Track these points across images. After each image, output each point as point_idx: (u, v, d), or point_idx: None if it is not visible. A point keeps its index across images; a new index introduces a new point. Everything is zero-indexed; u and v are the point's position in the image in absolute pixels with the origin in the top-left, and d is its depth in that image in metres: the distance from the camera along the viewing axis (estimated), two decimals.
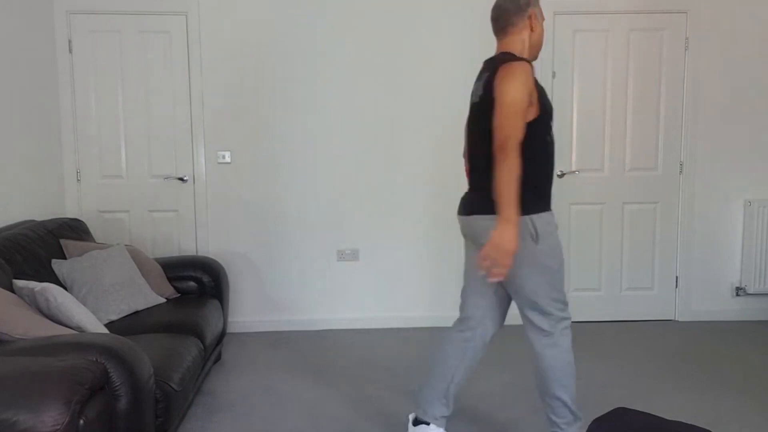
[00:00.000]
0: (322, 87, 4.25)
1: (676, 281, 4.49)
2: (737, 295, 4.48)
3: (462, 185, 4.28)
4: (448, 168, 4.33)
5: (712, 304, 4.50)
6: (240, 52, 4.21)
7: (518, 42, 2.42)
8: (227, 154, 4.27)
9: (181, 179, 4.27)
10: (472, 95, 2.50)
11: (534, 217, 2.35)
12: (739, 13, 4.31)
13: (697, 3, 4.29)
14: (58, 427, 1.79)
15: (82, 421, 1.89)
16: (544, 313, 2.42)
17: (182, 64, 4.20)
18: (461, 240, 4.38)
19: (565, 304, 2.45)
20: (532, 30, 2.43)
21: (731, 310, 4.49)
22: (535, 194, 2.37)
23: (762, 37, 4.33)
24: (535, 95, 2.30)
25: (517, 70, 2.24)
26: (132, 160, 4.25)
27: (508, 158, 2.20)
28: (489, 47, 4.25)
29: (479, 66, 4.21)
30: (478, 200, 2.43)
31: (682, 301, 4.49)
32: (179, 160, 4.27)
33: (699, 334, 4.21)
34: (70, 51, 4.14)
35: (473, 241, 2.51)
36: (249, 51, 4.21)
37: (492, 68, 2.34)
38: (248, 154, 4.28)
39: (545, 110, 2.36)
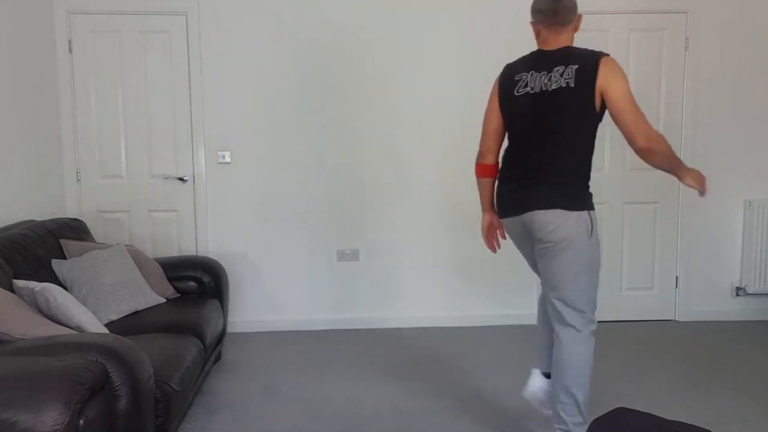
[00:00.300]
0: (322, 87, 4.26)
1: (676, 281, 4.49)
2: (737, 295, 4.48)
3: (465, 184, 4.31)
4: (449, 168, 4.33)
5: (712, 304, 4.50)
6: (240, 52, 4.21)
7: (570, 39, 2.49)
8: (227, 154, 4.27)
9: (181, 179, 4.28)
10: (526, 86, 2.47)
11: (591, 212, 2.44)
12: (738, 13, 4.31)
13: (696, 3, 4.29)
14: (58, 427, 1.79)
15: (82, 421, 1.90)
16: (578, 310, 2.46)
17: (182, 64, 4.20)
18: (461, 238, 4.38)
19: (595, 305, 2.52)
20: (575, 29, 2.52)
21: (731, 310, 4.49)
22: (589, 190, 2.48)
23: (761, 38, 4.33)
24: None
25: (617, 64, 2.39)
26: (132, 160, 4.25)
27: (661, 139, 2.38)
28: (497, 48, 4.26)
29: (485, 67, 4.23)
30: (560, 195, 2.42)
31: (682, 301, 4.49)
32: (179, 160, 4.28)
33: (699, 334, 4.21)
34: (70, 51, 4.14)
35: (533, 234, 2.49)
36: (249, 51, 4.21)
37: (580, 61, 2.38)
38: (248, 154, 4.28)
39: None
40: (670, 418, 1.90)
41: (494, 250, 2.80)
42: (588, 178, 2.47)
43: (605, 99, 2.36)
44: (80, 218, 3.92)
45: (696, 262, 4.47)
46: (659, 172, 4.39)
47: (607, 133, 4.37)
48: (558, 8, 2.43)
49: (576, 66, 2.37)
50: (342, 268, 4.38)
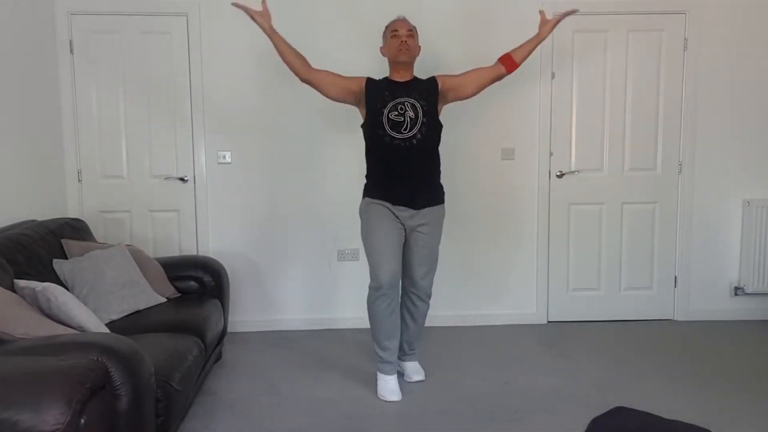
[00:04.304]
0: None
1: (675, 281, 4.50)
2: (736, 294, 4.49)
3: (463, 183, 4.31)
4: (448, 167, 4.33)
5: (711, 303, 4.51)
6: (240, 53, 4.22)
7: None
8: (227, 154, 4.28)
9: (182, 179, 4.28)
10: None
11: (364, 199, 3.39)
12: (737, 13, 4.32)
13: (695, 3, 4.30)
14: (59, 426, 1.80)
15: (83, 421, 1.90)
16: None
17: (183, 64, 4.21)
18: (460, 238, 4.39)
19: (373, 272, 3.26)
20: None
21: (730, 309, 4.50)
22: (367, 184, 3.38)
23: (761, 38, 4.34)
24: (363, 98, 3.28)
25: None
26: (133, 160, 4.26)
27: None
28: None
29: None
30: None
31: (681, 301, 4.50)
32: (180, 160, 4.29)
33: (697, 333, 4.22)
34: (72, 51, 4.15)
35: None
36: (249, 51, 4.22)
37: None
38: (248, 154, 4.29)
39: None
40: (669, 418, 1.91)
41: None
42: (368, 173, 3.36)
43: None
44: (81, 218, 3.93)
45: (695, 262, 4.48)
46: (658, 171, 4.43)
47: (606, 133, 4.38)
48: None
49: None
50: (342, 268, 4.39)
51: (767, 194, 4.44)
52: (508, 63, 3.31)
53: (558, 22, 3.31)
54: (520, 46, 3.32)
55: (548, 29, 3.30)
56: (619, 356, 3.79)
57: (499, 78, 3.37)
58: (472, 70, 3.37)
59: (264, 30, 3.28)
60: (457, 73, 3.40)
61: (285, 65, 3.31)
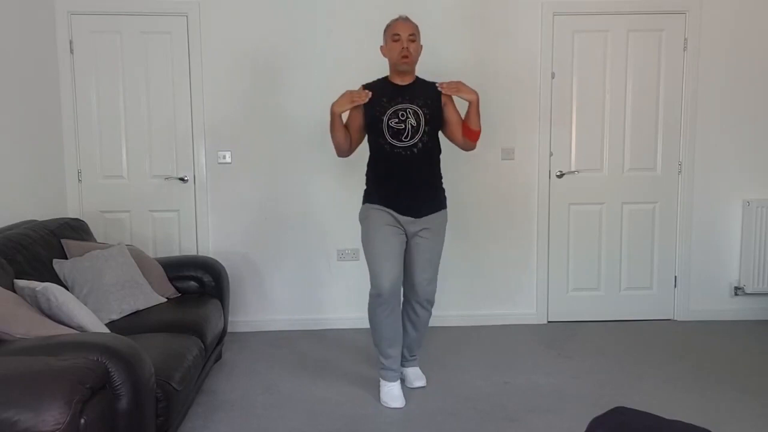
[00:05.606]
0: (322, 86, 4.26)
1: (675, 281, 4.50)
2: (736, 294, 4.49)
3: (465, 183, 4.31)
4: (449, 167, 4.32)
5: (711, 303, 4.50)
6: (240, 53, 4.22)
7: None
8: (227, 154, 4.28)
9: (182, 179, 4.28)
10: None
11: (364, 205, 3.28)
12: (737, 14, 4.32)
13: (695, 4, 4.30)
14: (59, 426, 1.80)
15: (83, 421, 1.90)
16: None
17: (183, 64, 4.21)
18: (460, 237, 4.38)
19: (373, 278, 3.17)
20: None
21: (730, 309, 4.50)
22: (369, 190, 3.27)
23: (760, 38, 4.34)
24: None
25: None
26: (133, 160, 4.26)
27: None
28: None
29: (491, 67, 4.23)
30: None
31: (681, 301, 4.50)
32: (180, 161, 4.28)
33: (698, 333, 4.22)
34: (72, 51, 4.15)
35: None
36: (249, 51, 4.22)
37: None
38: (248, 154, 4.29)
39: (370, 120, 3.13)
40: (669, 418, 1.91)
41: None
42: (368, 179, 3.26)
43: None
44: (81, 218, 3.93)
45: (695, 262, 4.48)
46: (658, 171, 4.43)
47: (605, 133, 4.38)
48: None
49: None
50: (342, 268, 4.39)
51: (767, 194, 4.44)
52: (468, 133, 3.18)
53: (455, 85, 3.10)
54: (467, 114, 3.15)
55: (466, 91, 3.09)
56: (619, 356, 3.79)
57: (467, 147, 3.26)
58: (459, 121, 3.20)
59: (342, 110, 3.15)
60: (455, 110, 3.24)
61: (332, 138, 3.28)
